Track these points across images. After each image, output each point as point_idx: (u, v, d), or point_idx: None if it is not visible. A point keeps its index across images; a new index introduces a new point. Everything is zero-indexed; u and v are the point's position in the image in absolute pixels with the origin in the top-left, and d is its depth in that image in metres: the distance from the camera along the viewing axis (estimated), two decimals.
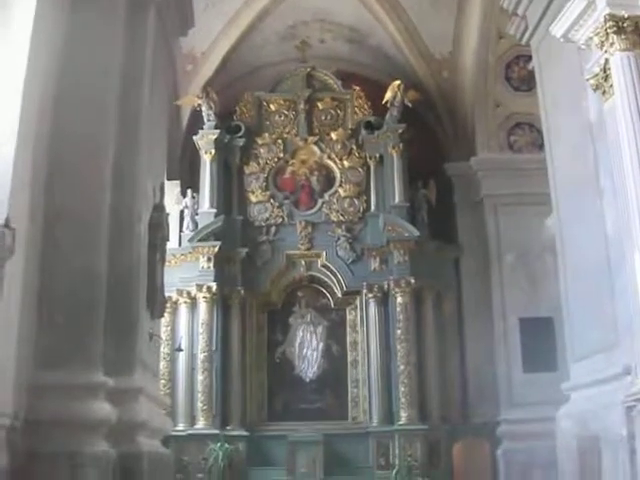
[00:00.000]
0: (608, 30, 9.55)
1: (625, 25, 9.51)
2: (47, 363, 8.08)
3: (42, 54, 8.23)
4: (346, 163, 19.12)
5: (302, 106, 19.57)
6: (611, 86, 9.76)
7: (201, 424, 17.13)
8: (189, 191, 18.81)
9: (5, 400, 7.23)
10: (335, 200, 18.88)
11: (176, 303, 17.81)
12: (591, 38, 10.04)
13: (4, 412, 7.23)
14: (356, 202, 18.88)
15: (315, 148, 19.35)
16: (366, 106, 19.51)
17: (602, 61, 9.91)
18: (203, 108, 18.87)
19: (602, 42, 9.73)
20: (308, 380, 18.45)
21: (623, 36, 9.48)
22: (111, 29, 9.62)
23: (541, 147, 14.05)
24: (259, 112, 19.72)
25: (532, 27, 13.11)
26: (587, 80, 10.41)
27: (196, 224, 18.42)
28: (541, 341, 16.85)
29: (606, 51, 9.73)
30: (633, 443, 9.09)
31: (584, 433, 10.69)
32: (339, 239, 18.56)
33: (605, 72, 9.90)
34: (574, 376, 11.60)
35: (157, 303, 10.82)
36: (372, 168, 19.02)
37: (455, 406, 17.78)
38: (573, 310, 11.77)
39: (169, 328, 17.45)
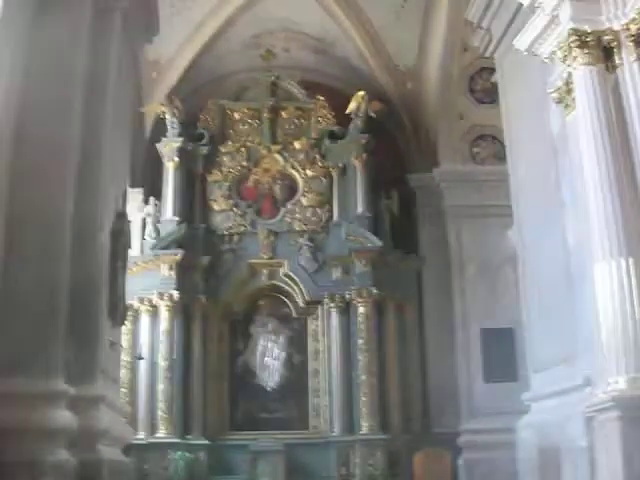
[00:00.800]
0: (571, 44, 9.66)
1: (588, 40, 9.62)
2: (7, 370, 7.98)
3: (4, 59, 8.17)
4: (309, 172, 19.14)
5: (266, 115, 19.57)
6: (573, 99, 9.86)
7: (162, 433, 17.00)
8: (152, 199, 18.71)
9: None
10: (298, 209, 18.88)
11: (137, 311, 17.70)
12: (554, 52, 10.15)
13: None
14: (319, 211, 18.90)
15: (278, 157, 19.35)
16: (330, 116, 19.53)
17: (565, 75, 10.02)
18: (167, 116, 18.81)
19: (565, 56, 9.83)
20: (269, 389, 18.42)
21: (586, 50, 9.59)
22: (76, 33, 9.54)
23: (504, 159, 14.13)
24: (223, 120, 19.69)
25: (496, 40, 13.23)
26: (550, 93, 10.52)
27: (158, 232, 18.33)
28: (502, 351, 16.96)
29: (569, 65, 9.83)
30: (593, 454, 9.17)
31: (544, 444, 10.77)
32: (301, 248, 18.56)
33: (568, 86, 10.01)
34: (534, 387, 11.70)
35: (118, 311, 10.76)
36: (335, 178, 19.05)
37: (416, 416, 17.83)
38: (533, 321, 11.87)
39: (130, 336, 17.32)
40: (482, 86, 18.39)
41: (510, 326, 16.26)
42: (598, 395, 9.02)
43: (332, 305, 18.03)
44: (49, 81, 9.09)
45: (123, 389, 15.93)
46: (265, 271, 18.67)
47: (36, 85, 8.95)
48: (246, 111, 19.75)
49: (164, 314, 17.58)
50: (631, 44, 9.47)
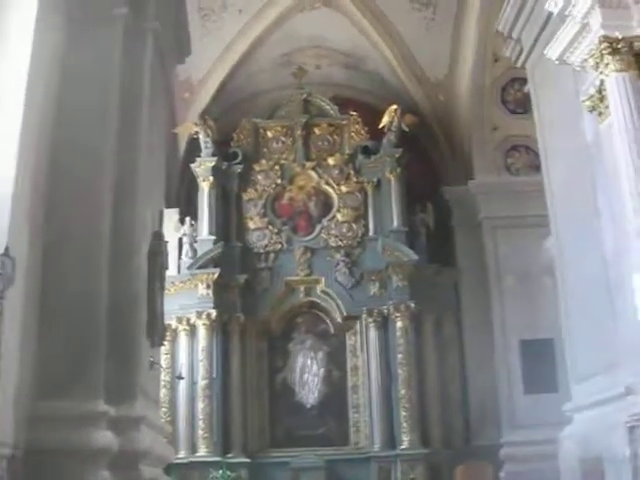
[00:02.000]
0: (603, 52, 9.59)
1: (619, 46, 9.55)
2: (48, 392, 8.03)
3: (40, 81, 8.25)
4: (344, 188, 19.16)
5: (299, 132, 19.64)
6: (607, 107, 9.79)
7: (202, 451, 17.08)
8: (187, 219, 18.83)
9: (6, 430, 7.19)
10: (333, 225, 18.92)
11: (175, 331, 17.79)
12: (586, 60, 10.08)
13: (5, 442, 7.18)
14: (354, 227, 18.92)
15: (313, 174, 19.40)
16: (363, 131, 19.57)
17: (597, 82, 9.94)
18: (200, 136, 18.93)
19: (597, 64, 9.77)
20: (309, 406, 18.44)
21: (617, 57, 9.52)
22: (109, 55, 9.63)
23: (538, 169, 14.04)
24: (256, 139, 19.78)
25: (527, 50, 13.17)
26: (583, 102, 10.44)
27: (195, 251, 18.44)
28: (542, 362, 16.83)
29: (601, 72, 9.76)
30: (636, 462, 9.06)
31: (587, 454, 10.66)
32: (338, 264, 18.58)
33: (600, 93, 9.94)
34: (576, 397, 11.58)
35: (157, 331, 10.77)
36: (370, 193, 19.07)
37: (457, 429, 17.75)
38: (573, 331, 11.77)
39: (169, 356, 17.42)
40: (514, 96, 18.34)
41: (550, 337, 16.10)
42: None
43: (370, 320, 18.02)
44: (84, 102, 9.18)
45: (163, 408, 16.02)
46: (302, 288, 18.72)
47: (71, 106, 9.04)
48: (279, 129, 19.84)
49: (202, 333, 17.64)
50: None
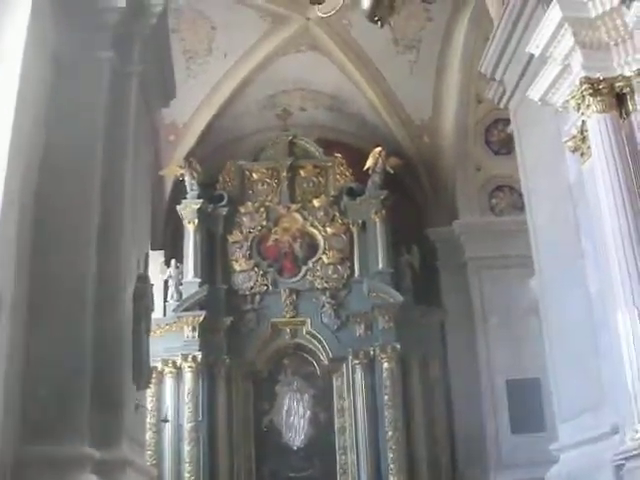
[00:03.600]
0: (584, 93, 9.66)
1: (601, 87, 9.62)
2: (33, 436, 7.99)
3: (26, 121, 8.26)
4: (329, 230, 19.19)
5: (284, 174, 19.70)
6: (589, 148, 9.85)
7: None
8: (173, 261, 18.82)
9: None
10: (319, 267, 18.92)
11: (161, 373, 17.69)
12: (568, 101, 10.16)
13: None
14: (340, 268, 18.93)
15: (298, 216, 19.42)
16: (348, 173, 19.63)
17: (579, 123, 10.02)
18: (186, 178, 18.96)
19: (579, 105, 9.83)
20: (296, 448, 18.33)
21: (599, 98, 9.58)
22: (94, 97, 9.70)
23: (522, 209, 14.09)
24: (242, 181, 19.83)
25: (510, 91, 13.28)
26: (565, 142, 10.51)
27: (180, 294, 18.40)
28: (528, 402, 16.86)
29: (583, 113, 9.82)
30: None
31: None
32: (324, 306, 18.57)
33: (582, 134, 10.00)
34: (562, 436, 11.57)
35: (143, 374, 10.75)
36: (355, 234, 19.09)
37: (444, 470, 17.66)
38: (559, 370, 11.78)
39: (155, 398, 17.30)
40: (498, 137, 18.51)
41: (536, 376, 16.15)
42: (626, 443, 8.92)
43: (356, 362, 17.98)
44: (68, 145, 9.22)
45: (149, 451, 15.89)
46: (288, 330, 18.68)
47: (56, 148, 9.08)
48: (264, 171, 19.88)
49: (188, 375, 17.57)
50: None
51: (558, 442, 11.70)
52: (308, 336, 18.60)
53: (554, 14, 9.67)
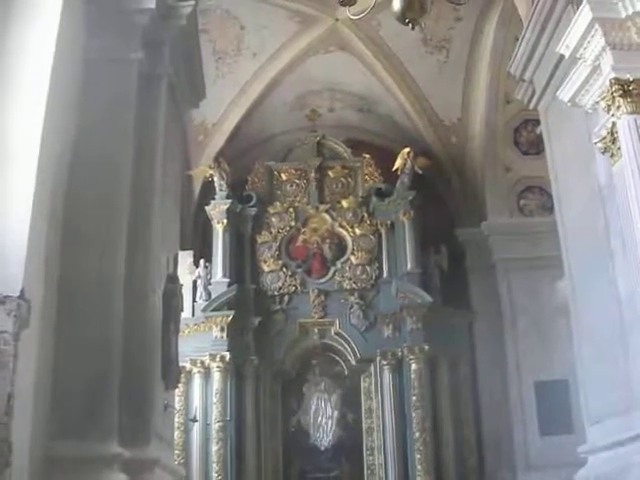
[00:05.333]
0: (614, 94, 9.63)
1: (631, 88, 9.59)
2: (62, 434, 8.03)
3: (57, 124, 8.29)
4: (357, 231, 19.19)
5: (313, 175, 19.71)
6: (619, 149, 9.81)
7: None
8: (202, 261, 18.85)
9: (21, 472, 7.19)
10: (347, 268, 18.92)
11: (190, 373, 17.75)
12: (597, 102, 10.13)
13: None
14: (368, 269, 18.92)
15: (326, 216, 19.44)
16: (376, 173, 19.62)
17: (609, 124, 9.97)
18: (215, 178, 19.02)
19: (609, 106, 9.80)
20: (323, 449, 18.35)
21: (629, 99, 9.55)
22: (124, 99, 9.73)
23: (551, 210, 14.06)
24: (270, 181, 19.86)
25: (539, 92, 13.22)
26: (595, 143, 10.46)
27: (209, 294, 18.44)
28: (557, 404, 16.78)
29: (613, 115, 9.79)
30: None
31: None
32: (352, 307, 18.56)
33: (612, 135, 9.96)
34: (591, 439, 11.50)
35: (172, 373, 10.79)
36: (383, 235, 19.08)
37: (472, 471, 17.59)
38: (588, 372, 11.71)
39: (183, 398, 17.36)
40: (527, 138, 18.44)
41: (565, 378, 16.10)
42: None
43: (384, 362, 17.97)
44: (99, 148, 9.25)
45: (177, 451, 15.94)
46: (316, 330, 18.68)
47: (86, 151, 9.11)
48: (293, 172, 19.91)
49: (216, 375, 17.61)
50: None
51: (587, 444, 11.63)
52: (336, 337, 18.60)
53: (584, 14, 9.64)
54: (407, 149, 19.02)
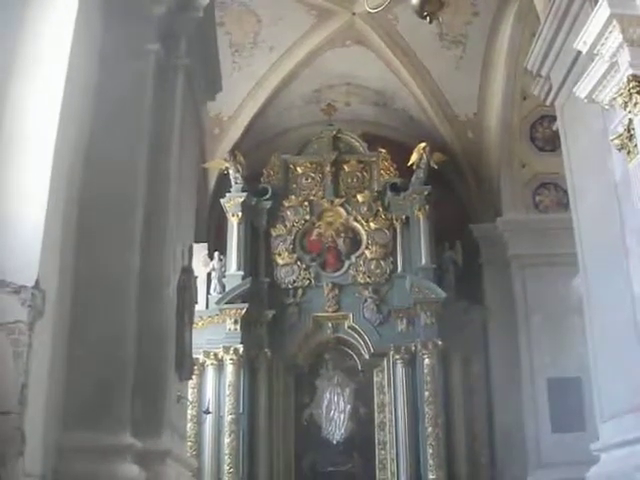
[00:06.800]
0: (631, 90, 9.58)
1: None
2: (75, 424, 8.07)
3: (72, 116, 8.33)
4: (372, 225, 19.19)
5: (328, 169, 19.71)
6: (635, 146, 9.76)
7: None
8: (216, 253, 18.89)
9: (34, 461, 7.23)
10: (362, 262, 18.92)
11: (203, 365, 17.81)
12: (614, 99, 10.08)
13: (32, 473, 7.20)
14: (383, 264, 18.91)
15: (341, 210, 19.44)
16: (392, 168, 19.60)
17: (626, 121, 9.93)
18: (230, 171, 19.03)
19: (625, 102, 9.76)
20: (335, 442, 18.36)
21: None
22: (141, 92, 9.74)
23: (567, 207, 14.00)
24: (286, 175, 19.87)
25: (556, 88, 13.18)
26: (611, 140, 10.42)
27: (223, 286, 18.47)
28: (569, 401, 16.75)
29: (630, 111, 9.75)
30: None
31: None
32: (366, 301, 18.57)
33: (629, 132, 9.91)
34: (603, 436, 11.47)
35: (185, 365, 10.82)
36: (398, 230, 19.08)
37: (483, 467, 17.59)
38: (601, 370, 11.68)
39: (196, 390, 17.40)
40: (543, 134, 18.37)
41: (577, 375, 16.08)
42: None
43: (397, 357, 17.97)
44: (115, 139, 9.27)
45: (189, 442, 16.01)
46: (330, 324, 18.70)
47: (101, 143, 9.13)
48: (309, 165, 19.92)
49: (229, 368, 17.64)
50: None
51: (599, 442, 11.60)
52: (350, 330, 18.60)
53: (602, 11, 9.59)
54: (423, 144, 18.98)
